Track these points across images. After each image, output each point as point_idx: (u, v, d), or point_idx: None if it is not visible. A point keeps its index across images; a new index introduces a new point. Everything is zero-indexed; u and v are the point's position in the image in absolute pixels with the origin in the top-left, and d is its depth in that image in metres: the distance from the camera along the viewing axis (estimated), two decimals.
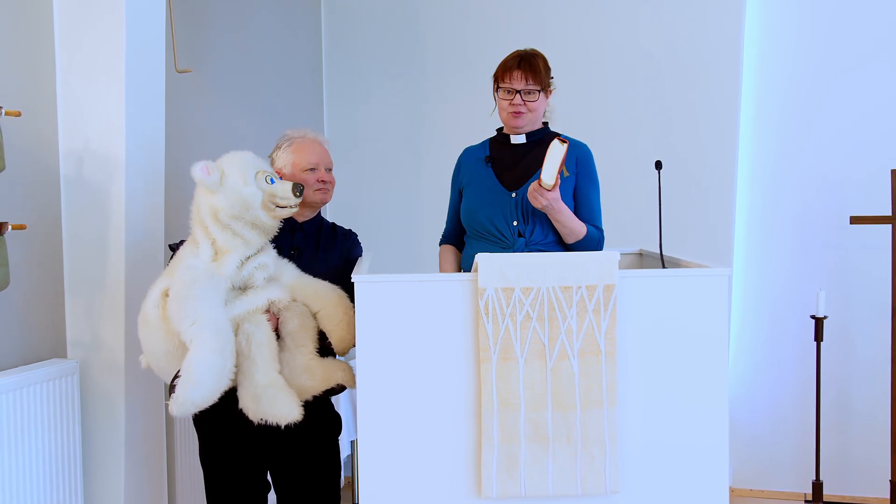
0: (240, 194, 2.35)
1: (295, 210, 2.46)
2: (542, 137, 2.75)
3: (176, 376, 2.25)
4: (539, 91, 2.67)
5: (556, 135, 2.77)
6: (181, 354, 2.25)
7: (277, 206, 2.41)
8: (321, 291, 2.50)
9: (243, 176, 2.37)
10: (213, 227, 2.36)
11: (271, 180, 2.41)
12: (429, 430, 2.15)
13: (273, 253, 2.50)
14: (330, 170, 2.69)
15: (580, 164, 2.72)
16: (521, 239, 2.63)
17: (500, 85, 2.70)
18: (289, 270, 2.53)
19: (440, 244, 2.96)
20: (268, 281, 2.44)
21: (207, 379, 2.15)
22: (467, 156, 2.85)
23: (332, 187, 2.69)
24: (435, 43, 4.64)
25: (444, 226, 2.95)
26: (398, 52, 4.71)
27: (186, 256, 2.37)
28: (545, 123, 2.80)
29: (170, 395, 2.21)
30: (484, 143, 2.85)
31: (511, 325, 2.11)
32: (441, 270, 2.91)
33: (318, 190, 2.64)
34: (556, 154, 2.44)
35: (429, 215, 4.62)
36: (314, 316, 2.47)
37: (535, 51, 2.73)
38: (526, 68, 2.65)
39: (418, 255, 4.65)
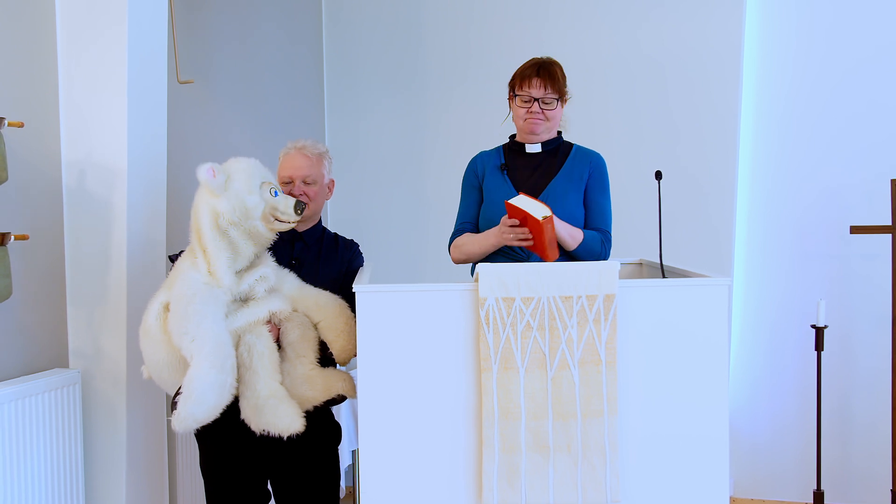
0: (242, 201, 2.33)
1: (293, 226, 2.46)
2: (557, 146, 2.74)
3: (178, 392, 2.25)
4: (557, 100, 2.66)
5: (570, 145, 2.76)
6: (183, 367, 2.25)
7: (276, 220, 2.40)
8: (322, 302, 2.50)
9: (248, 184, 2.35)
10: (209, 233, 2.32)
11: (275, 193, 2.40)
12: (430, 439, 2.16)
13: (273, 264, 2.50)
14: (310, 183, 2.65)
15: (593, 172, 2.70)
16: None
17: (517, 93, 2.67)
18: (290, 281, 2.53)
19: (458, 236, 2.75)
20: (269, 292, 2.44)
21: (209, 395, 2.15)
22: (483, 160, 2.79)
23: (314, 198, 2.65)
24: (436, 54, 4.66)
25: (448, 232, 2.85)
26: (399, 63, 4.72)
27: (185, 268, 2.35)
28: (559, 132, 2.79)
29: (172, 410, 2.21)
30: (497, 149, 2.81)
31: (512, 335, 2.12)
32: (472, 246, 2.65)
33: None
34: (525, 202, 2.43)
35: (430, 225, 4.63)
36: (315, 326, 2.48)
37: (553, 59, 2.71)
38: (545, 76, 2.64)
39: (420, 265, 4.66)
